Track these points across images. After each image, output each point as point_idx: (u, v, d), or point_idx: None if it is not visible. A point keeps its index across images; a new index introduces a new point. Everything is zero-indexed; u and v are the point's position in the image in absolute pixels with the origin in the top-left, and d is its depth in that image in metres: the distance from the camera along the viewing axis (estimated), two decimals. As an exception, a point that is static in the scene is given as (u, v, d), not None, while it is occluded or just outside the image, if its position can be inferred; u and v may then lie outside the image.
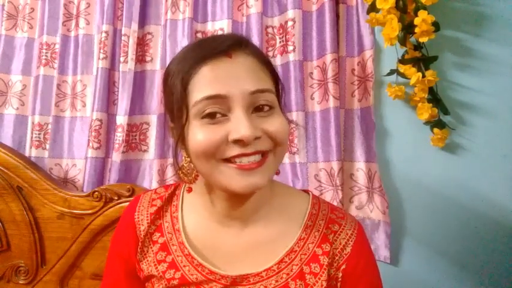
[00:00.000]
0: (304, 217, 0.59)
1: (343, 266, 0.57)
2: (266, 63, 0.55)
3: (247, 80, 0.51)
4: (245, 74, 0.51)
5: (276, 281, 0.56)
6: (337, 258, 0.57)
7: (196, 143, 0.50)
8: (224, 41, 0.53)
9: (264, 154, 0.51)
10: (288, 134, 0.54)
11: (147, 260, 0.60)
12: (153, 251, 0.60)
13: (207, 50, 0.52)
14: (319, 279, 0.56)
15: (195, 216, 0.61)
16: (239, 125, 0.48)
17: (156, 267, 0.59)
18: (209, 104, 0.49)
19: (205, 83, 0.50)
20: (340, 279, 0.57)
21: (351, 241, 0.58)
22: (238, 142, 0.49)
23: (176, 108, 0.53)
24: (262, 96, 0.51)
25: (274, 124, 0.51)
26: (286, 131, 0.53)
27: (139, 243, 0.61)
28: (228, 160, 0.50)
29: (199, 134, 0.50)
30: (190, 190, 0.61)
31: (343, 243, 0.58)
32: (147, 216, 0.62)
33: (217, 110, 0.49)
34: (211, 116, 0.50)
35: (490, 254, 0.98)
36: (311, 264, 0.56)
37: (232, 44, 0.53)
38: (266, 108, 0.51)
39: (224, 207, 0.58)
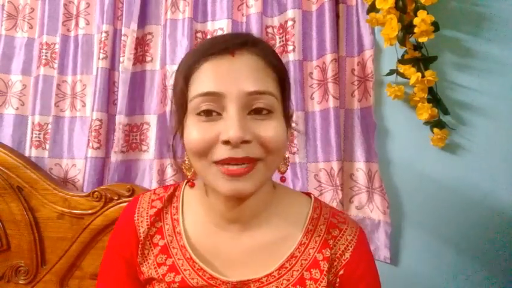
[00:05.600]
0: (305, 221, 0.58)
1: (341, 272, 0.56)
2: (273, 65, 0.53)
3: (247, 80, 0.49)
4: (245, 73, 0.50)
5: (277, 287, 0.55)
6: (335, 263, 0.56)
7: (190, 141, 0.51)
8: (230, 39, 0.53)
9: (252, 161, 0.49)
10: (284, 143, 0.51)
11: (148, 263, 0.59)
12: (153, 253, 0.59)
13: (212, 47, 0.52)
14: (319, 285, 0.55)
15: (196, 218, 0.60)
16: (229, 125, 0.47)
17: (156, 270, 0.58)
18: (205, 101, 0.49)
19: (204, 79, 0.50)
20: (337, 284, 0.56)
21: (351, 247, 0.57)
22: (227, 143, 0.47)
23: (177, 102, 0.54)
24: (260, 98, 0.49)
25: (268, 130, 0.49)
26: (281, 140, 0.50)
27: (140, 246, 0.60)
28: (219, 163, 0.49)
29: (193, 132, 0.50)
30: (192, 185, 0.60)
31: (343, 249, 0.57)
32: (147, 218, 0.61)
33: (212, 107, 0.49)
34: (206, 113, 0.49)
35: (491, 253, 0.98)
36: (311, 270, 0.56)
37: (237, 43, 0.52)
38: (264, 111, 0.49)
39: (222, 209, 0.57)
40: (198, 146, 0.49)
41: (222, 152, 0.48)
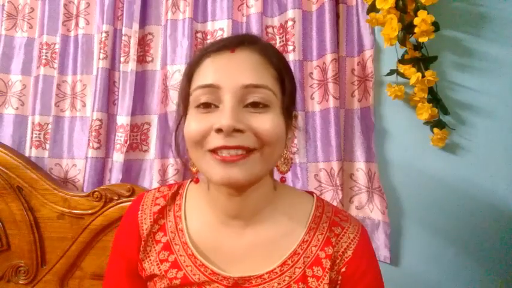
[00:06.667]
0: (308, 219, 0.59)
1: (343, 269, 0.56)
2: (273, 63, 0.54)
3: (243, 73, 0.51)
4: (243, 67, 0.51)
5: (278, 284, 0.55)
6: (338, 261, 0.57)
7: (187, 132, 0.52)
8: (231, 38, 0.56)
9: (248, 150, 0.50)
10: (280, 137, 0.52)
11: (150, 260, 0.60)
12: (155, 250, 0.60)
13: (213, 44, 0.55)
14: (321, 282, 0.55)
15: (199, 215, 0.61)
16: (223, 115, 0.48)
17: (159, 267, 0.59)
18: (203, 93, 0.51)
19: (203, 73, 0.53)
20: (339, 281, 0.56)
21: (353, 245, 0.57)
22: (220, 132, 0.49)
23: (180, 98, 0.57)
24: (256, 91, 0.50)
25: (263, 122, 0.50)
26: (276, 133, 0.51)
27: (142, 242, 0.61)
28: (213, 151, 0.50)
29: (192, 123, 0.52)
30: (197, 181, 0.61)
31: (345, 247, 0.57)
32: (150, 216, 0.61)
33: (210, 100, 0.51)
34: (205, 105, 0.51)
35: (491, 253, 0.98)
36: (314, 267, 0.56)
37: (238, 41, 0.54)
38: (261, 105, 0.50)
39: (224, 203, 0.57)
40: (194, 136, 0.51)
41: (215, 141, 0.49)
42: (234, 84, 0.50)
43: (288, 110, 0.55)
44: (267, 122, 0.50)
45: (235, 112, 0.49)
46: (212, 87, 0.50)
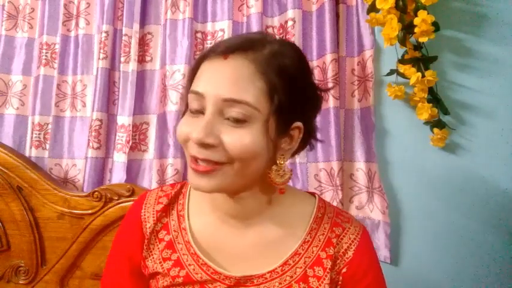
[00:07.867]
0: (310, 220, 0.59)
1: (344, 270, 0.56)
2: (265, 74, 0.50)
3: (226, 86, 0.49)
4: (227, 79, 0.49)
5: (280, 283, 0.56)
6: (338, 261, 0.57)
7: (176, 133, 0.54)
8: (230, 41, 0.53)
9: (217, 163, 0.49)
10: (253, 153, 0.49)
11: (153, 258, 0.61)
12: (158, 248, 0.60)
13: (214, 47, 0.54)
14: (322, 282, 0.56)
15: (201, 215, 0.61)
16: (198, 125, 0.49)
17: (161, 265, 0.59)
18: (194, 99, 0.52)
19: (198, 77, 0.53)
20: (340, 282, 0.57)
21: (354, 245, 0.57)
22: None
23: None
24: (236, 106, 0.48)
25: (235, 138, 0.48)
26: (247, 149, 0.48)
27: (146, 241, 0.61)
28: (191, 157, 0.51)
29: (181, 125, 0.53)
30: None
31: (346, 247, 0.57)
32: (153, 214, 0.62)
33: (199, 107, 0.51)
34: (197, 110, 0.52)
35: (490, 254, 0.98)
36: (315, 267, 0.56)
37: (235, 46, 0.51)
38: (241, 120, 0.49)
39: (223, 204, 0.58)
40: (179, 139, 0.53)
41: (191, 149, 0.51)
42: (215, 96, 0.49)
43: (281, 123, 0.52)
44: (238, 138, 0.48)
45: (209, 125, 0.49)
46: (199, 95, 0.51)
